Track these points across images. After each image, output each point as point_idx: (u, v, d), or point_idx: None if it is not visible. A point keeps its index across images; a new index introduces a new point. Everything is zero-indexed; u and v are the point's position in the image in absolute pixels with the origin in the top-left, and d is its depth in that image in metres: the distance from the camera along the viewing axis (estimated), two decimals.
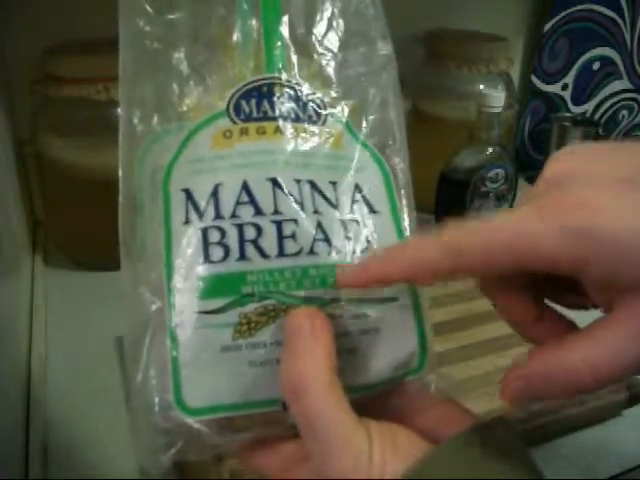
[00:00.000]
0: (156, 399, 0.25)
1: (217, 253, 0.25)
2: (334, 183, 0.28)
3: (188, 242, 0.26)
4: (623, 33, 0.94)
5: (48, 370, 0.50)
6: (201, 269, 0.25)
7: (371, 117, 0.31)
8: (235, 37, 0.29)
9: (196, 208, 0.26)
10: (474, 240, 0.22)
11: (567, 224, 0.21)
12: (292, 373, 0.23)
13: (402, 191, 0.30)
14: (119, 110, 0.28)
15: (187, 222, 0.26)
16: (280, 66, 0.29)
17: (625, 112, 1.02)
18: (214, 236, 0.26)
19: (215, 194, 0.26)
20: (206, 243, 0.26)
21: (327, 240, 0.27)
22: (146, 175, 0.28)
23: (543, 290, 0.26)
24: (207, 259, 0.25)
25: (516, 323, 0.27)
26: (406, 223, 0.29)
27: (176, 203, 0.26)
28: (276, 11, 0.29)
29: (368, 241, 0.27)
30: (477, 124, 0.63)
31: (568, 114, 0.93)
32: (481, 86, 0.71)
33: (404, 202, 0.30)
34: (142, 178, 0.28)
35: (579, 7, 0.88)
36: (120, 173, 0.28)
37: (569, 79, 0.94)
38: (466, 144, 0.64)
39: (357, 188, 0.28)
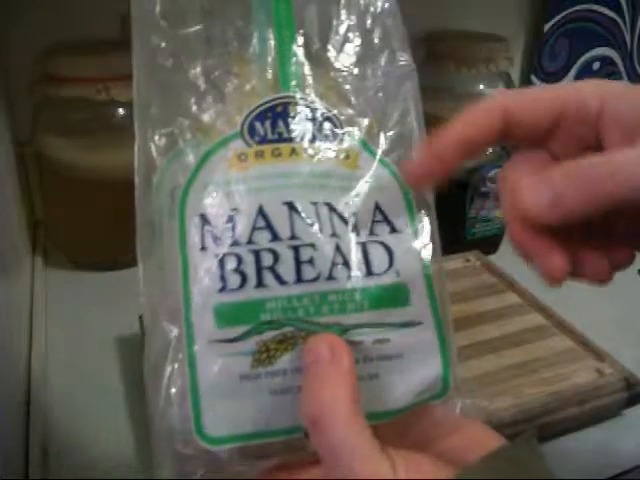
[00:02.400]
0: (178, 427, 0.24)
1: (234, 281, 0.25)
2: (351, 204, 0.27)
3: (205, 269, 0.25)
4: (623, 33, 0.93)
5: (48, 370, 0.50)
6: (218, 297, 0.25)
7: (390, 132, 0.30)
8: (252, 50, 0.29)
9: (212, 234, 0.26)
10: (521, 97, 0.27)
11: None
12: (312, 404, 0.22)
13: (424, 207, 0.29)
14: (135, 128, 0.28)
15: (203, 248, 0.26)
16: (294, 84, 0.28)
17: None
18: (231, 263, 0.25)
19: (231, 220, 0.26)
20: (223, 270, 0.25)
21: (346, 264, 0.26)
22: (165, 195, 0.27)
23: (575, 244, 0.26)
24: (224, 287, 0.25)
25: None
26: (429, 240, 0.29)
27: (192, 229, 0.26)
28: (290, 27, 0.29)
29: (391, 262, 0.27)
30: None
31: None
32: (481, 86, 0.71)
33: (427, 218, 0.29)
34: (161, 199, 0.27)
35: (579, 7, 0.88)
36: (137, 194, 0.27)
37: (569, 79, 0.94)
38: None
39: (377, 208, 0.28)
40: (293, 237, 0.26)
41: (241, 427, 0.24)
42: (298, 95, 0.28)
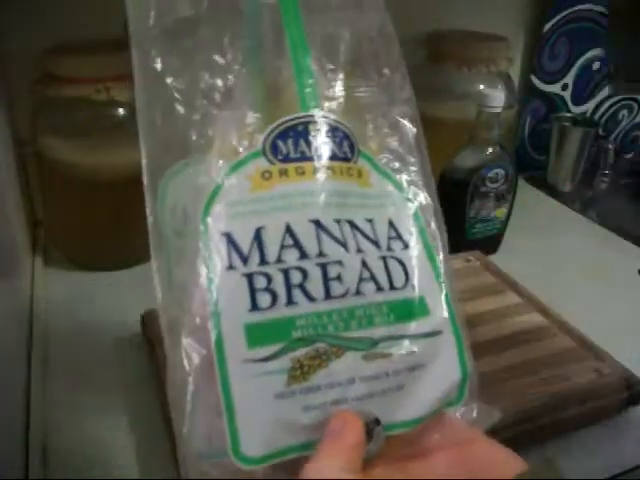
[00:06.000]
0: (206, 448, 0.24)
1: (265, 299, 0.25)
2: (370, 220, 0.28)
3: (234, 289, 0.25)
4: None
5: (48, 370, 0.51)
6: (250, 317, 0.25)
7: (393, 149, 0.31)
8: (245, 66, 0.29)
9: (239, 253, 0.26)
10: None
11: None
12: (309, 468, 0.23)
13: (432, 220, 0.31)
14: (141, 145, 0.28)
15: (231, 267, 0.25)
16: (313, 104, 0.29)
17: (625, 112, 1.02)
18: (260, 282, 0.25)
19: (258, 238, 0.26)
20: (252, 289, 0.25)
21: (372, 278, 0.27)
22: (167, 211, 0.27)
23: None
24: (255, 306, 0.25)
25: None
26: (439, 255, 0.30)
27: (217, 247, 0.26)
28: (304, 48, 0.29)
29: (407, 276, 0.28)
30: (477, 124, 0.63)
31: (568, 114, 0.93)
32: (481, 86, 0.71)
33: (434, 228, 0.30)
34: (164, 214, 0.27)
35: (579, 7, 0.88)
36: (148, 214, 0.27)
37: (569, 79, 0.94)
38: (466, 144, 0.64)
39: (391, 225, 0.29)
40: (321, 254, 0.26)
41: (276, 444, 0.24)
42: (318, 114, 0.29)
